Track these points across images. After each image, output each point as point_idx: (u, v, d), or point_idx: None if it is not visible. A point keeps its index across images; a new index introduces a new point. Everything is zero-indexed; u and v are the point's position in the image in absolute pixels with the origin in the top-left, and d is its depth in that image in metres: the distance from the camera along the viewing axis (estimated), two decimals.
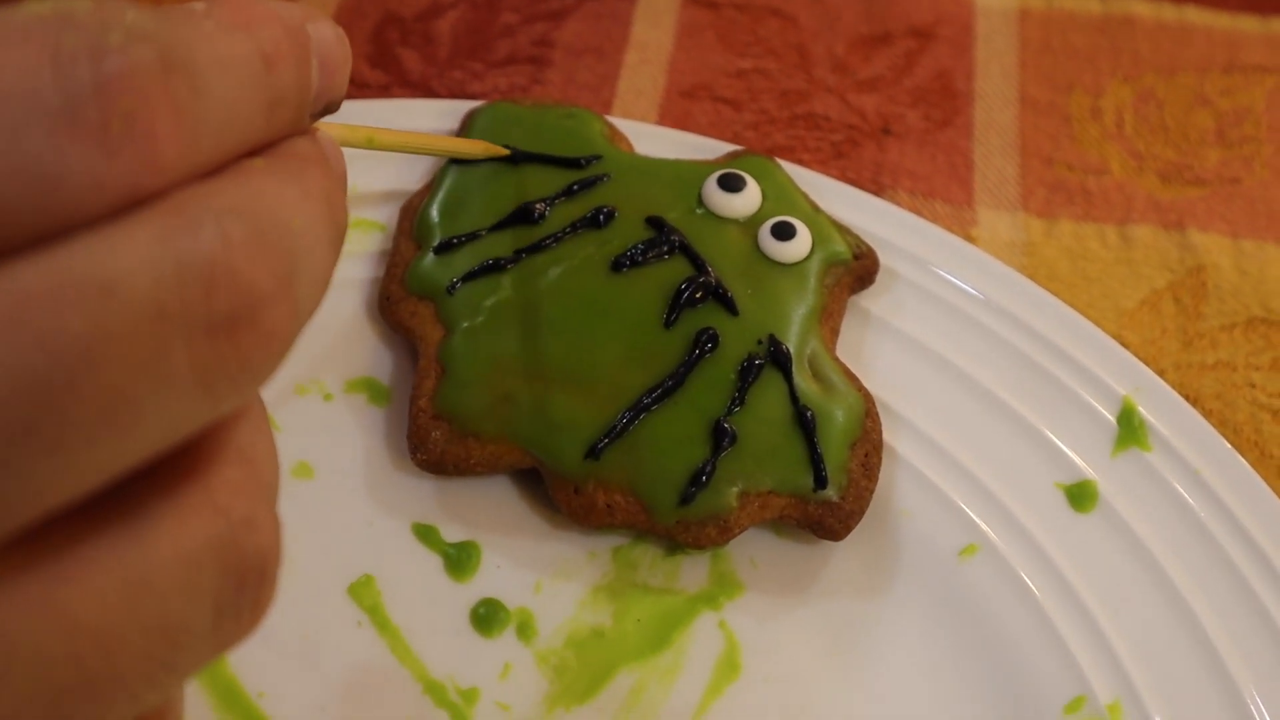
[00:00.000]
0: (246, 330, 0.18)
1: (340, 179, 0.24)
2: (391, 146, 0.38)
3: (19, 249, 0.17)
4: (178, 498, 0.19)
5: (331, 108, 0.24)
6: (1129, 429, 0.40)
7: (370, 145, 0.36)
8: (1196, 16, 0.55)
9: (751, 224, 0.42)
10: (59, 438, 0.17)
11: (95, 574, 0.18)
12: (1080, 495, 0.39)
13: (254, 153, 0.21)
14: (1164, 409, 0.40)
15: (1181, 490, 0.39)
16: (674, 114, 0.51)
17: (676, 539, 0.38)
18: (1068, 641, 0.37)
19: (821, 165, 0.49)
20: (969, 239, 0.47)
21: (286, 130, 0.22)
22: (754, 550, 0.39)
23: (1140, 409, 0.40)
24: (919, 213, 0.46)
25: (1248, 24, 0.55)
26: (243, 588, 0.20)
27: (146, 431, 0.18)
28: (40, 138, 0.17)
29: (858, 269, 0.42)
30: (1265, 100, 0.52)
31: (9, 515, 0.17)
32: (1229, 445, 0.39)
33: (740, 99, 0.51)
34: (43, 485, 0.17)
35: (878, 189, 0.48)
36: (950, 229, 0.46)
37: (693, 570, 0.39)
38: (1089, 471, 0.40)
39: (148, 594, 0.19)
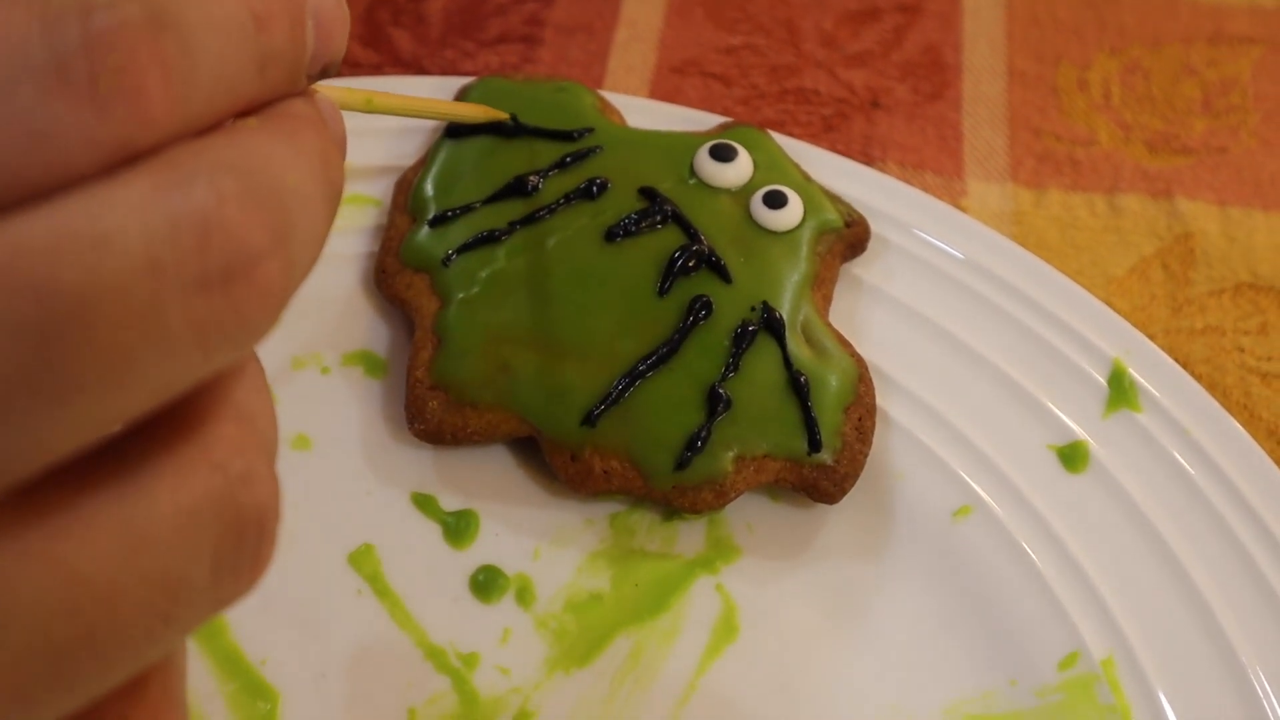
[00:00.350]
0: (241, 285, 0.18)
1: (338, 140, 0.24)
2: (390, 110, 0.39)
3: (13, 205, 0.17)
4: (176, 453, 0.19)
5: (330, 70, 0.24)
6: (1119, 390, 0.40)
7: (369, 108, 0.36)
8: None
9: (743, 193, 0.43)
10: (56, 389, 0.17)
11: (95, 528, 0.18)
12: (1072, 456, 0.40)
13: (248, 113, 0.21)
14: (1154, 371, 0.41)
15: (1172, 450, 0.39)
16: (665, 90, 0.51)
17: (673, 504, 0.38)
18: (1061, 599, 0.37)
19: (812, 139, 0.49)
20: (959, 209, 0.47)
21: (281, 91, 0.22)
22: (750, 515, 0.40)
23: (1130, 371, 0.41)
24: (909, 184, 0.47)
25: None
26: (242, 542, 0.20)
27: (143, 384, 0.18)
28: (30, 95, 0.17)
29: (849, 236, 0.43)
30: (1251, 70, 0.53)
31: (8, 467, 0.17)
32: (1219, 405, 0.40)
33: (730, 75, 0.52)
34: (41, 437, 0.17)
35: (868, 161, 0.49)
36: (940, 200, 0.46)
37: (689, 535, 0.39)
38: (1080, 433, 0.40)
39: (147, 547, 0.19)
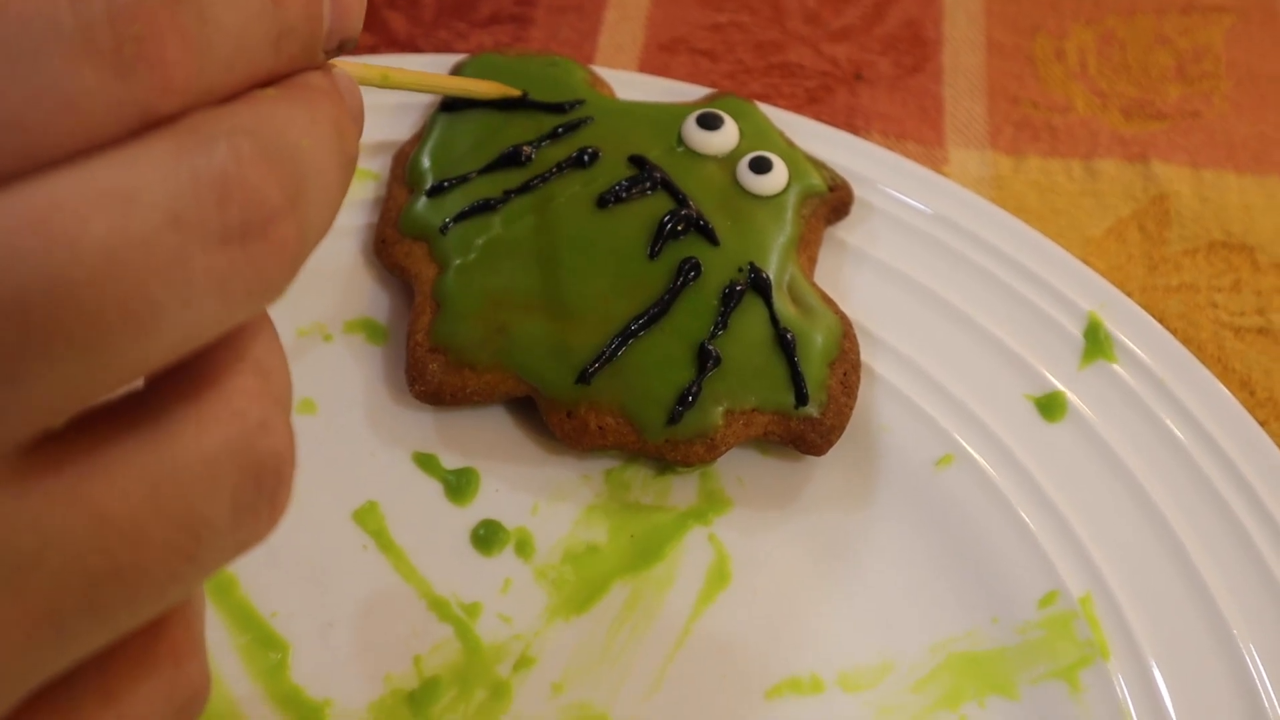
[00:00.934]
0: (258, 241, 0.20)
1: (355, 113, 0.25)
2: (405, 85, 0.40)
3: (44, 166, 0.18)
4: (198, 403, 0.20)
5: (346, 46, 0.25)
6: (1095, 342, 0.42)
7: (385, 83, 0.37)
8: None
9: (730, 160, 0.44)
10: (86, 336, 0.18)
11: (122, 471, 0.19)
12: (1050, 406, 0.41)
13: (267, 85, 0.23)
14: (1128, 323, 0.42)
15: (1146, 398, 0.41)
16: (653, 67, 0.53)
17: (666, 458, 0.40)
18: (1040, 541, 0.39)
19: (796, 111, 0.50)
20: (941, 175, 0.48)
21: (297, 64, 0.23)
22: (740, 469, 0.41)
23: (1106, 323, 0.42)
24: (893, 152, 0.48)
25: None
26: (260, 487, 0.21)
27: (166, 334, 0.19)
28: (58, 62, 0.18)
29: (833, 200, 0.44)
30: (1223, 38, 0.54)
31: (41, 411, 0.18)
32: (1190, 354, 0.41)
33: (717, 51, 0.53)
34: (72, 383, 0.18)
35: (852, 131, 0.50)
36: (924, 167, 0.48)
37: (682, 489, 0.41)
38: (1057, 383, 0.41)
39: (171, 490, 0.20)
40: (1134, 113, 0.51)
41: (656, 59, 0.53)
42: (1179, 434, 0.40)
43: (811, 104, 0.51)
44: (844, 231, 0.45)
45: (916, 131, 0.51)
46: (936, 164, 0.50)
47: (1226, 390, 0.40)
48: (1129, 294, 0.45)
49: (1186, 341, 0.44)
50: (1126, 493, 0.39)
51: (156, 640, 0.22)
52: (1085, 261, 0.46)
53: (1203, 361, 0.43)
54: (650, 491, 0.40)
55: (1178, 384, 0.41)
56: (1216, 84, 0.52)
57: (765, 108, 0.47)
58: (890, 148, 0.50)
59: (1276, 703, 0.35)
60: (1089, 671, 0.36)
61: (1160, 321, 0.44)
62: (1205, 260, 0.47)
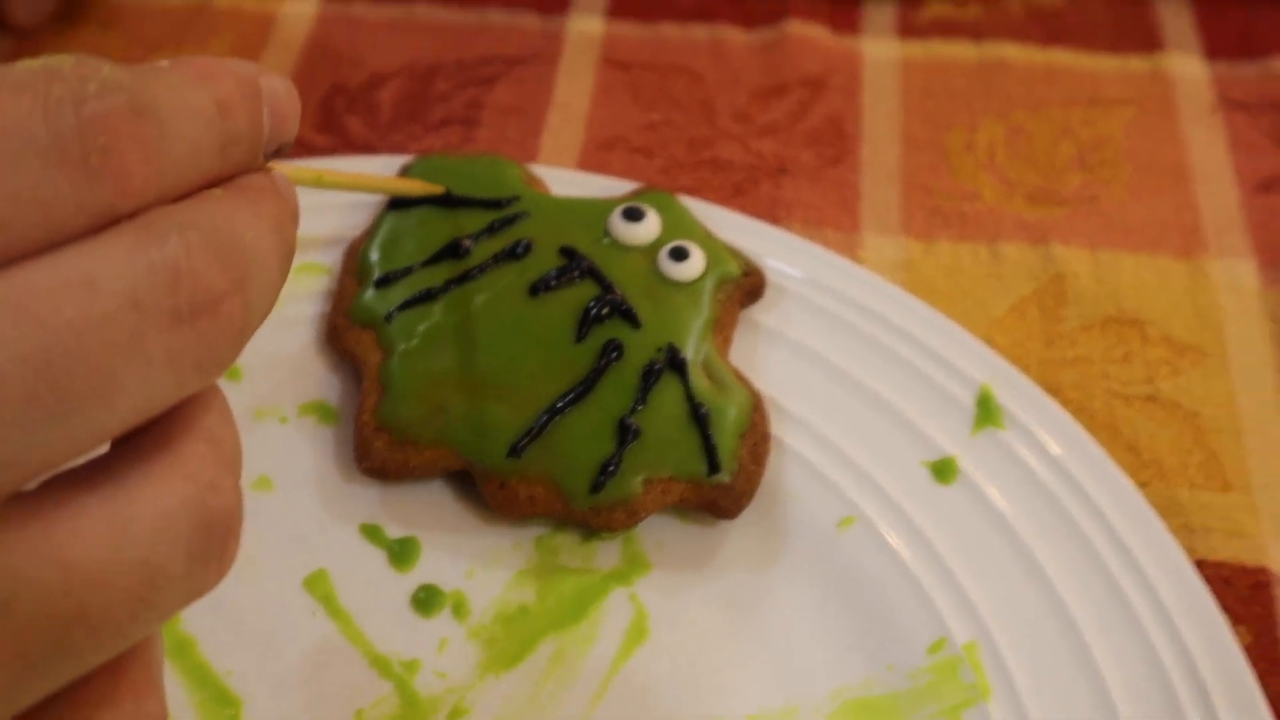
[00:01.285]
0: (206, 319, 0.23)
1: (292, 209, 0.28)
2: (338, 185, 0.44)
3: (21, 257, 0.22)
4: (155, 465, 0.24)
5: (284, 150, 0.29)
6: (986, 411, 0.45)
7: (319, 184, 0.41)
8: (1062, 58, 0.61)
9: (652, 249, 0.48)
10: (56, 405, 0.21)
11: (87, 524, 0.22)
12: (943, 470, 0.44)
13: (215, 185, 0.26)
14: (1017, 393, 0.46)
15: (1030, 461, 0.44)
16: (593, 163, 0.57)
17: (590, 524, 0.43)
18: (931, 595, 0.42)
19: (724, 202, 0.54)
20: (856, 260, 0.52)
21: (241, 167, 0.27)
22: (660, 534, 0.44)
23: (996, 394, 0.46)
24: (810, 239, 0.52)
25: (1107, 63, 0.61)
26: (211, 540, 0.24)
27: (127, 403, 0.22)
28: (35, 169, 0.21)
29: (746, 285, 0.48)
30: (1123, 129, 0.58)
31: (16, 471, 0.21)
32: (1071, 419, 0.45)
33: (652, 147, 0.57)
34: (43, 446, 0.21)
35: (774, 220, 0.54)
36: (840, 252, 0.51)
37: (606, 553, 0.44)
38: (951, 449, 0.45)
39: (130, 541, 0.22)
40: (1038, 199, 0.55)
41: (595, 157, 0.57)
42: (1060, 494, 0.43)
43: (738, 195, 0.55)
44: (759, 313, 0.48)
45: (835, 219, 0.55)
46: (853, 249, 0.53)
47: (1104, 452, 0.44)
48: (1028, 367, 0.49)
49: (1080, 410, 0.48)
50: (1010, 548, 0.42)
51: (117, 678, 0.25)
52: (989, 338, 0.49)
53: (1094, 428, 0.46)
54: (576, 556, 0.44)
55: (1059, 448, 0.44)
56: (1115, 170, 0.56)
57: (690, 200, 0.51)
58: (810, 235, 0.53)
59: None
60: (971, 711, 0.39)
61: (1056, 392, 0.47)
62: (1100, 335, 0.50)
